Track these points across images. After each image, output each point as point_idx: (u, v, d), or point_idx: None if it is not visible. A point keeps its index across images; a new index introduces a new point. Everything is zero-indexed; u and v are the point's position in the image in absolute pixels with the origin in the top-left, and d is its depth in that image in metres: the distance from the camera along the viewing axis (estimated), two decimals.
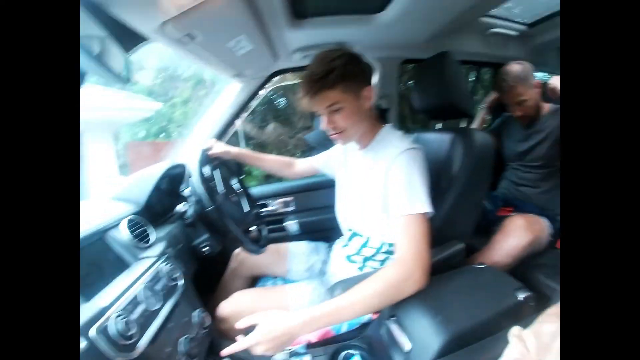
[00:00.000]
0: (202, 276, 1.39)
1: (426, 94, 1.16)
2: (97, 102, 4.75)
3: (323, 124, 0.92)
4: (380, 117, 1.65)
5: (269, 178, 5.50)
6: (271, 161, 1.38)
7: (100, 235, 0.86)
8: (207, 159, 1.15)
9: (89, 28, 0.70)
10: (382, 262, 1.00)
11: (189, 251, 1.08)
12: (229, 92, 1.62)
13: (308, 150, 5.31)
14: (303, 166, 1.36)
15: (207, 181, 1.02)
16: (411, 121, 4.84)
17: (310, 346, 0.90)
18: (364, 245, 1.02)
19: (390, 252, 0.99)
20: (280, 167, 1.38)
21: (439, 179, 1.03)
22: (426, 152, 0.92)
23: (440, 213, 0.92)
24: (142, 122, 6.40)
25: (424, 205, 0.82)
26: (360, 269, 1.04)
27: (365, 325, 0.93)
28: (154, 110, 5.94)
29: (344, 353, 0.84)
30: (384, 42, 1.51)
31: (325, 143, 1.29)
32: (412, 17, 1.26)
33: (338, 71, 0.84)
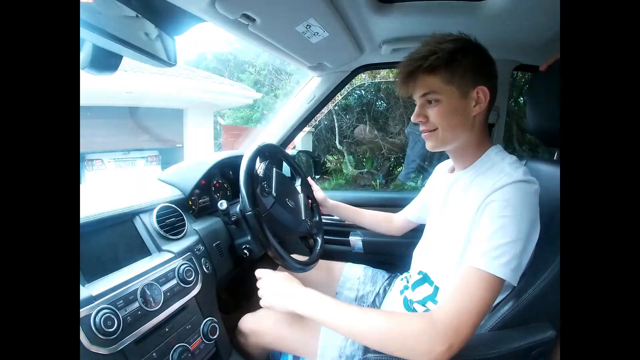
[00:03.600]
0: (243, 276, 1.33)
1: (544, 111, 0.86)
2: (201, 84, 5.36)
3: (414, 114, 0.77)
4: None
5: (356, 183, 5.49)
6: (370, 216, 1.25)
7: (130, 217, 0.83)
8: (264, 155, 1.06)
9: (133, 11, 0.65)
10: None
11: (228, 250, 1.01)
12: (309, 85, 1.51)
13: (402, 155, 5.09)
14: (402, 221, 1.20)
15: (254, 180, 0.93)
16: (518, 144, 4.22)
17: None
18: (431, 297, 0.82)
19: None
20: (380, 222, 1.24)
21: (546, 231, 0.72)
22: None
23: (537, 279, 0.66)
24: (244, 109, 6.94)
25: (504, 269, 0.59)
26: None
27: None
28: (254, 98, 6.38)
29: None
30: (493, 40, 1.18)
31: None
32: (529, 9, 0.95)
33: (442, 54, 0.69)
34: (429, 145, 0.79)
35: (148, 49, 0.71)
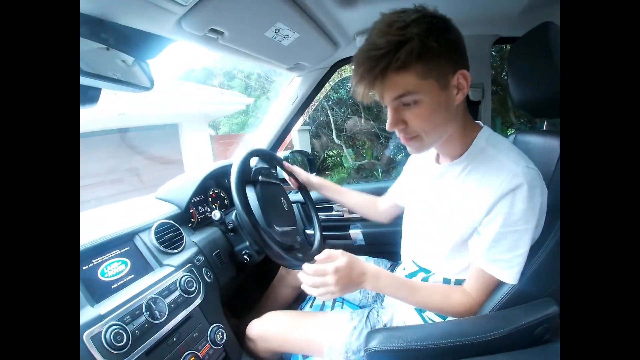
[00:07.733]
0: (250, 280, 1.36)
1: (525, 81, 0.83)
2: (192, 96, 5.42)
3: (388, 122, 0.64)
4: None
5: (358, 175, 5.49)
6: (355, 197, 1.18)
7: (130, 237, 0.86)
8: (255, 160, 1.08)
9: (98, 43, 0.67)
10: None
11: (229, 258, 1.04)
12: (291, 86, 1.53)
13: (402, 146, 5.05)
14: (386, 205, 1.15)
15: (245, 186, 0.94)
16: (515, 117, 4.17)
17: None
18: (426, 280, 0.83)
19: None
20: (363, 205, 1.18)
21: None
22: None
23: (536, 253, 0.67)
24: (238, 115, 6.96)
25: (512, 276, 0.66)
26: (419, 311, 0.84)
27: None
28: (246, 104, 6.40)
29: None
30: (470, 15, 1.17)
31: None
32: None
33: (414, 43, 0.55)
34: (412, 151, 0.70)
35: (122, 77, 0.73)
